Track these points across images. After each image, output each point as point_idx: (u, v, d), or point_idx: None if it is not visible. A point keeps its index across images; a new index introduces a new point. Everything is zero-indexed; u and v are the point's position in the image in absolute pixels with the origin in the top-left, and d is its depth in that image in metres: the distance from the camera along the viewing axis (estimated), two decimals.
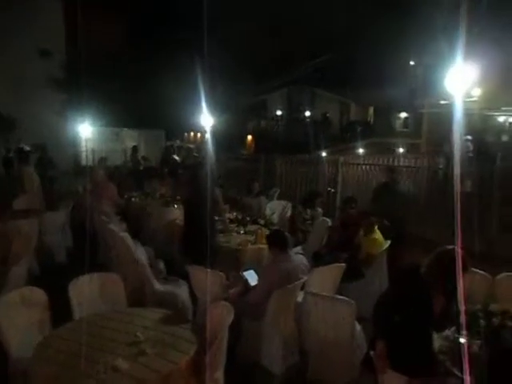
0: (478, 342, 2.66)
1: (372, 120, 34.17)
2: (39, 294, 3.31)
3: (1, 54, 17.53)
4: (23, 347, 2.94)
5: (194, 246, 4.97)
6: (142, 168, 11.69)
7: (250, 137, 34.86)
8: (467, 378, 2.42)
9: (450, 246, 2.67)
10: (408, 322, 2.64)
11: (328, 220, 6.29)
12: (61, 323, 3.14)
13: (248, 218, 6.31)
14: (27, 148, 15.57)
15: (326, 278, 4.16)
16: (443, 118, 13.58)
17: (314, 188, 9.23)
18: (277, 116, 36.94)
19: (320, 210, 6.95)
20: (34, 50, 18.18)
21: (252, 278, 4.22)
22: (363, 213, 5.49)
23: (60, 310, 3.33)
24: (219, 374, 3.00)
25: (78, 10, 16.43)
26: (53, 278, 4.58)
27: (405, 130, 31.00)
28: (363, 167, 9.40)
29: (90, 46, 17.67)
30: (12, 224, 5.53)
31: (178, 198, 8.05)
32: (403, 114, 32.76)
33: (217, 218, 6.09)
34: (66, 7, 18.92)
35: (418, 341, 2.66)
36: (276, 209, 7.42)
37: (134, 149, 13.13)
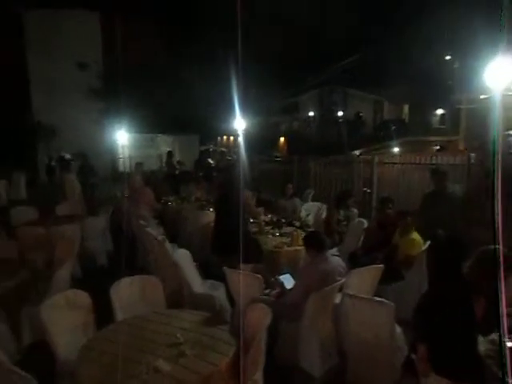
0: None
1: (407, 118, 33.41)
2: (83, 297, 3.41)
3: (42, 66, 18.31)
4: (69, 349, 3.04)
5: (223, 246, 5.04)
6: (177, 172, 11.90)
7: (282, 139, 34.85)
8: None
9: (492, 246, 2.57)
10: (449, 324, 2.57)
11: (364, 221, 6.19)
12: (103, 325, 3.23)
13: (283, 220, 6.31)
14: (68, 156, 16.18)
15: (364, 279, 4.11)
16: (482, 113, 13.10)
17: (348, 188, 9.09)
18: (309, 117, 36.75)
19: (356, 210, 6.85)
20: (73, 62, 18.87)
21: (288, 281, 4.21)
22: (400, 213, 5.36)
23: (102, 312, 3.43)
24: (258, 376, 3.01)
25: (115, 23, 16.94)
26: (95, 281, 4.73)
27: (441, 127, 30.13)
28: (399, 166, 9.19)
29: (126, 55, 18.19)
30: (55, 229, 5.75)
31: (213, 201, 8.16)
32: (439, 111, 31.86)
33: (251, 220, 6.14)
34: (102, 18, 19.52)
35: (460, 344, 2.58)
36: (311, 210, 7.38)
37: (169, 154, 13.39)
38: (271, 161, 15.09)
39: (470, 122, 16.40)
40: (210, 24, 22.04)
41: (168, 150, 15.71)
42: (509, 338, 2.55)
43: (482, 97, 13.41)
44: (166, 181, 11.16)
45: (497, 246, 2.48)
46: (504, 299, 2.34)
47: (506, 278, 2.40)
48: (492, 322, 2.59)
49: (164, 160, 15.12)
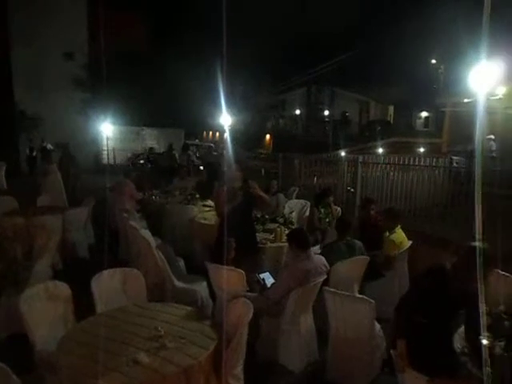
0: (502, 343, 2.61)
1: (392, 119, 33.79)
2: (63, 288, 3.37)
3: (26, 56, 17.95)
4: (48, 340, 3.01)
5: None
6: (176, 166, 11.91)
7: (268, 136, 34.87)
8: (489, 379, 2.38)
9: (477, 243, 2.59)
10: (429, 321, 2.62)
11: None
12: (83, 317, 3.20)
13: (266, 217, 6.31)
14: (50, 147, 15.94)
15: (351, 269, 4.20)
16: (465, 116, 13.30)
17: (328, 187, 9.12)
18: (296, 115, 36.84)
19: (339, 208, 6.91)
20: (58, 52, 18.54)
21: (268, 279, 4.23)
22: (382, 213, 5.41)
23: (83, 304, 3.40)
24: (239, 371, 3.02)
25: (101, 12, 16.71)
26: (76, 272, 4.68)
27: (425, 129, 30.57)
28: (383, 166, 9.28)
29: (112, 46, 17.94)
30: (36, 220, 5.65)
31: (197, 196, 8.13)
32: (424, 113, 32.29)
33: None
34: (89, 10, 19.24)
35: (439, 341, 2.63)
36: (294, 208, 7.40)
37: (170, 147, 13.27)
38: (256, 157, 15.11)
39: (453, 125, 16.62)
40: (198, 19, 21.89)
41: (170, 143, 15.60)
42: (484, 336, 2.62)
43: (465, 100, 13.61)
44: (150, 174, 11.09)
45: (480, 244, 2.54)
46: (486, 298, 2.38)
47: (485, 276, 2.45)
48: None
49: (165, 152, 15.05)
